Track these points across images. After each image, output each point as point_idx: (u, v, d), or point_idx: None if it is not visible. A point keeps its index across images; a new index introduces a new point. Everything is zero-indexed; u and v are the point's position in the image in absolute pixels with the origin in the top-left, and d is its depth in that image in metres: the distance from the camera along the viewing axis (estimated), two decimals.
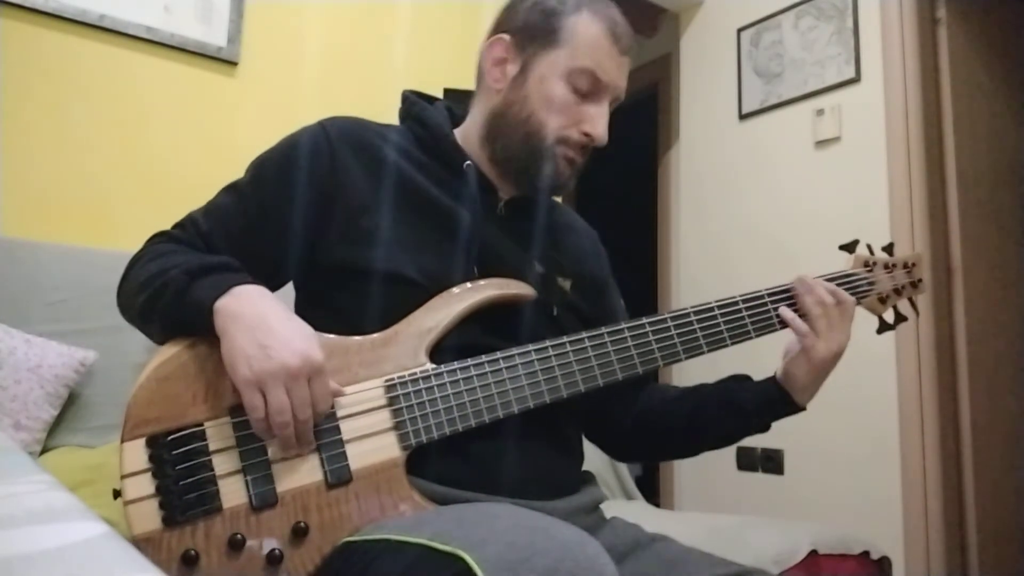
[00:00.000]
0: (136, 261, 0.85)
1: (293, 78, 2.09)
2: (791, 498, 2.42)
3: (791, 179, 2.56)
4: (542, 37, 0.89)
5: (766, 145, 2.65)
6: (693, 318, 0.90)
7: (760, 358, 1.14)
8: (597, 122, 0.89)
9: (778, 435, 2.44)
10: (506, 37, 0.90)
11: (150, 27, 1.85)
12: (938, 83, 2.32)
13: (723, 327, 0.90)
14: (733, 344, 0.91)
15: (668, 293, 3.04)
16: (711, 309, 0.91)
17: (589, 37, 0.88)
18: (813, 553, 1.55)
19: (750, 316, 0.91)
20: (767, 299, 0.93)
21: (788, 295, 0.94)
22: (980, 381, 2.25)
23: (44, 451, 1.40)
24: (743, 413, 0.95)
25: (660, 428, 1.00)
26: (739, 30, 2.77)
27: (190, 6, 1.92)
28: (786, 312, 0.92)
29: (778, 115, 2.62)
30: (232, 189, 0.90)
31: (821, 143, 2.48)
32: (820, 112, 2.48)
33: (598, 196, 3.95)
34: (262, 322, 0.72)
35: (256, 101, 2.01)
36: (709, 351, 0.90)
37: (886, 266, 1.04)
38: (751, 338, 0.92)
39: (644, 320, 0.88)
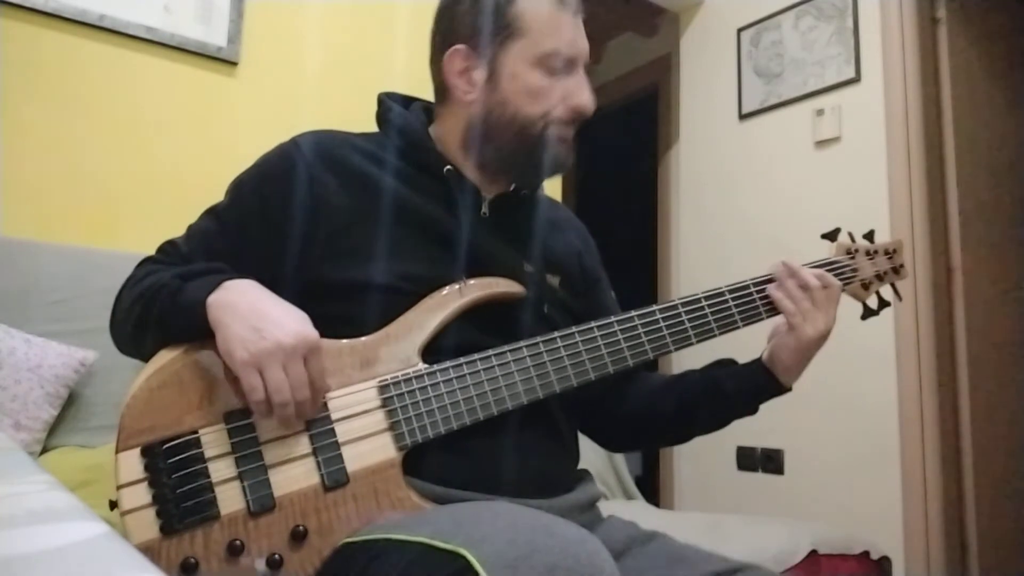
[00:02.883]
0: (124, 287, 0.87)
1: (293, 78, 2.08)
2: (791, 498, 2.42)
3: (791, 179, 2.56)
4: (498, 35, 0.88)
5: (766, 145, 2.65)
6: (681, 310, 0.91)
7: (752, 344, 1.14)
8: (580, 93, 0.90)
9: (778, 435, 2.46)
10: (460, 47, 0.89)
11: (150, 27, 1.85)
12: (938, 83, 2.32)
13: (710, 317, 0.91)
14: (721, 334, 0.92)
15: (668, 293, 3.04)
16: (698, 300, 0.92)
17: (543, 16, 0.88)
18: (813, 553, 1.56)
19: (736, 306, 0.93)
20: (752, 288, 0.94)
21: (771, 281, 0.95)
22: (980, 381, 2.25)
23: (44, 451, 1.39)
24: (729, 397, 0.96)
25: (651, 417, 1.01)
26: (739, 30, 2.77)
27: (190, 6, 1.92)
28: (774, 293, 0.93)
29: (778, 115, 2.62)
30: (211, 213, 0.90)
31: (821, 143, 2.48)
32: (820, 112, 2.48)
33: (598, 196, 3.96)
34: (255, 308, 0.73)
35: (256, 101, 2.01)
36: (698, 341, 0.91)
37: (867, 253, 1.05)
38: (738, 327, 0.93)
39: (633, 313, 0.89)
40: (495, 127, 0.89)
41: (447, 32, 0.91)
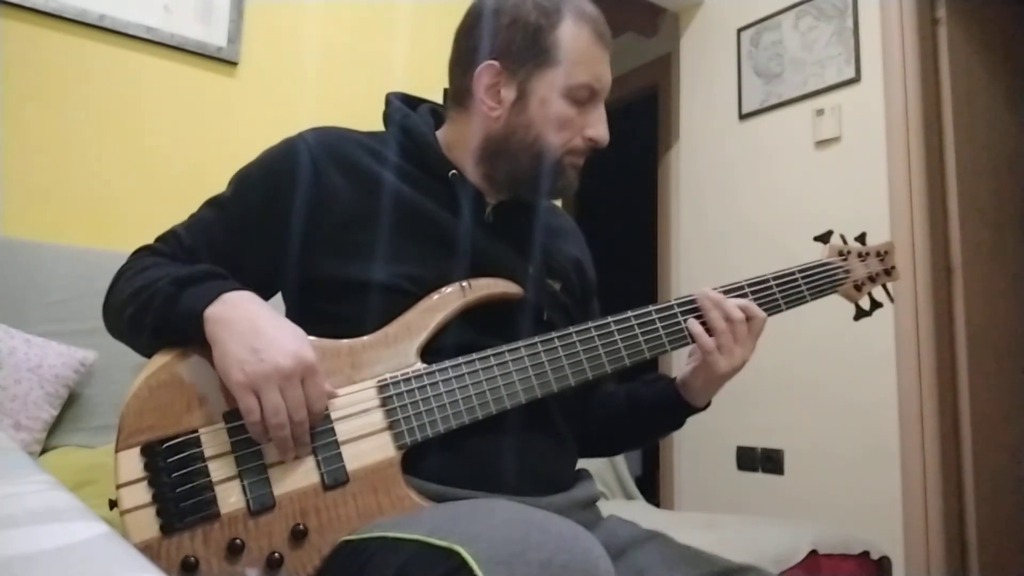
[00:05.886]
0: (120, 276, 0.86)
1: (293, 78, 2.09)
2: (791, 498, 2.42)
3: (791, 179, 2.56)
4: (534, 58, 0.87)
5: (766, 145, 2.65)
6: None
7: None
8: (599, 126, 0.90)
9: (778, 435, 2.46)
10: (495, 63, 0.88)
11: (150, 27, 1.85)
12: (938, 83, 2.32)
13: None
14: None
15: (668, 293, 3.04)
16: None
17: (580, 48, 0.88)
18: (813, 553, 1.56)
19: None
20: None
21: (695, 307, 0.91)
22: (980, 381, 2.25)
23: (44, 451, 1.40)
24: (646, 415, 0.98)
25: (587, 426, 1.01)
26: (739, 30, 2.77)
27: (190, 6, 1.92)
28: (694, 327, 0.90)
29: (778, 115, 2.62)
30: (214, 203, 0.90)
31: (821, 143, 2.48)
32: (820, 112, 2.48)
33: (598, 196, 3.95)
34: (252, 326, 0.73)
35: (256, 101, 2.01)
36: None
37: (860, 255, 1.06)
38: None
39: (630, 314, 0.89)
40: (515, 147, 0.89)
41: (479, 43, 0.90)
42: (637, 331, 0.89)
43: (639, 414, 0.99)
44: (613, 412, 1.01)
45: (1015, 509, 2.30)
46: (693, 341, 0.90)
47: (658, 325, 0.90)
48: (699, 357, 0.91)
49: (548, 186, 0.91)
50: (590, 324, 0.87)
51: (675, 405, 0.96)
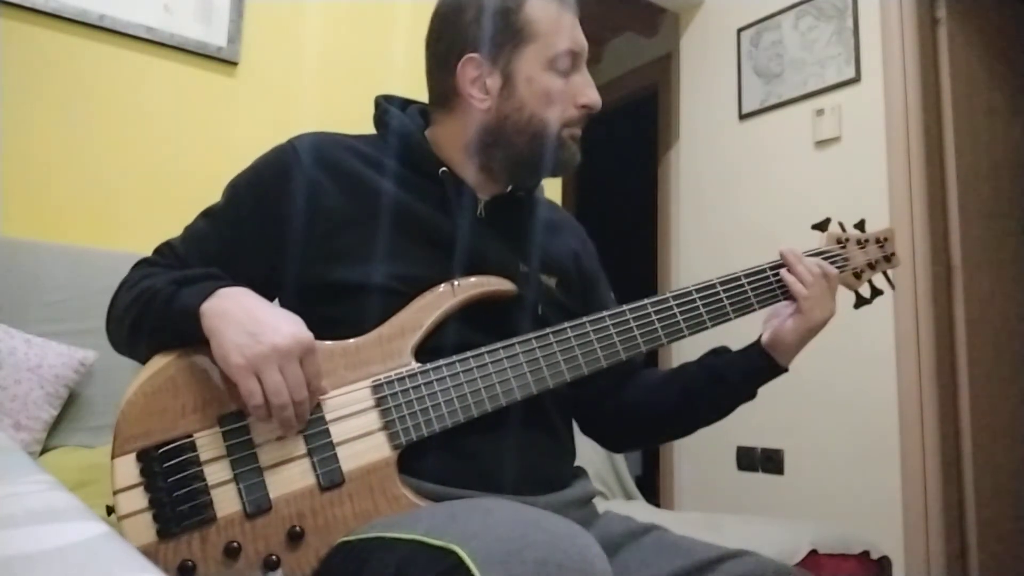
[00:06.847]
0: (120, 289, 0.87)
1: (293, 78, 2.09)
2: (791, 498, 2.42)
3: (791, 179, 2.56)
4: (511, 40, 0.89)
5: (766, 145, 2.65)
6: (673, 303, 0.92)
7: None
8: (589, 90, 0.91)
9: (778, 435, 2.46)
10: (475, 55, 0.89)
11: (150, 27, 1.85)
12: (938, 83, 2.32)
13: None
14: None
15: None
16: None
17: (551, 18, 0.89)
18: (813, 553, 1.56)
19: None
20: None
21: (781, 265, 0.98)
22: (980, 381, 2.25)
23: (44, 451, 1.40)
24: (729, 384, 0.98)
25: (654, 413, 1.02)
26: (739, 30, 2.77)
27: (190, 6, 1.92)
28: (788, 276, 0.96)
29: (778, 115, 2.62)
30: (208, 213, 0.91)
31: (821, 143, 2.48)
32: (820, 112, 2.48)
33: (599, 195, 3.96)
34: (249, 314, 0.74)
35: (256, 101, 2.01)
36: (690, 334, 0.93)
37: (859, 242, 1.07)
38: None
39: (625, 308, 0.90)
40: (510, 132, 0.90)
41: (453, 42, 0.91)
42: (633, 325, 0.89)
43: (724, 387, 0.98)
44: (689, 391, 0.99)
45: (1015, 509, 2.30)
46: (786, 296, 0.96)
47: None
48: (785, 312, 0.96)
49: (551, 163, 0.91)
50: (584, 319, 0.88)
51: (762, 368, 0.97)
